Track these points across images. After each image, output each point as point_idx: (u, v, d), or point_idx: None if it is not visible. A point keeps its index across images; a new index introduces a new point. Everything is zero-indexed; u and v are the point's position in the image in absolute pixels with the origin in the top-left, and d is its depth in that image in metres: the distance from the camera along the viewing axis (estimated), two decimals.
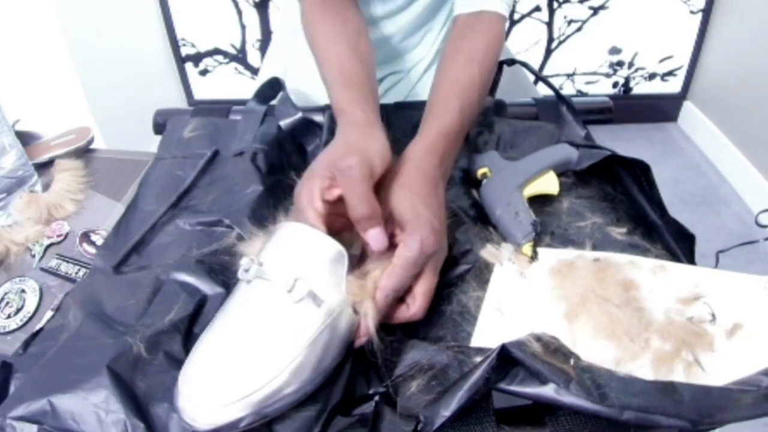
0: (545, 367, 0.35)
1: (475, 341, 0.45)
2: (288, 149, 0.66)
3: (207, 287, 0.48)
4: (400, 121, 0.68)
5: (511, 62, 0.72)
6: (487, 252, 0.52)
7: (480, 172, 0.58)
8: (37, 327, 0.47)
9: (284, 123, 0.67)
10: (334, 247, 0.42)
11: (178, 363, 0.40)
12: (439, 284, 0.47)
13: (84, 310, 0.46)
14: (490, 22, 0.65)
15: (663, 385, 0.35)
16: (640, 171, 0.57)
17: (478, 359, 0.39)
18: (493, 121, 0.68)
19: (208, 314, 0.46)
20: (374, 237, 0.43)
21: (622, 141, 2.06)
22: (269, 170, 0.61)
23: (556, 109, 0.71)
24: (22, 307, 0.55)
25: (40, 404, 0.38)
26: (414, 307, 0.44)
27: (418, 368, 0.41)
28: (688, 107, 2.13)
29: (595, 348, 0.42)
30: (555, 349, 0.38)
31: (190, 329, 0.45)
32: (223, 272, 0.50)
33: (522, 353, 0.36)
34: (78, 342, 0.43)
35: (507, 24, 0.67)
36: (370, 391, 0.41)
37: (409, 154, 0.51)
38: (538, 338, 0.38)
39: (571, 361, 0.37)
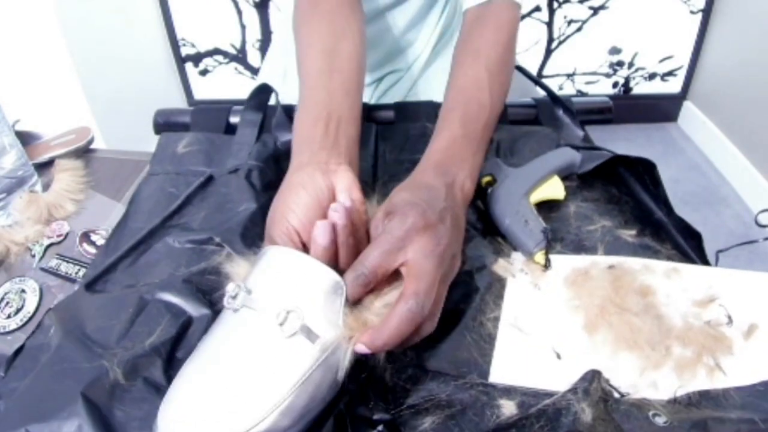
0: None
1: (496, 364, 0.43)
2: (284, 166, 0.61)
3: (193, 308, 0.46)
4: (396, 136, 0.67)
5: None
6: (499, 266, 0.50)
7: (484, 180, 0.57)
8: (17, 346, 0.45)
9: (281, 139, 0.65)
10: (330, 277, 0.39)
11: (158, 390, 0.38)
12: (458, 307, 0.45)
13: (64, 329, 0.44)
14: (499, 11, 0.61)
15: (697, 429, 0.35)
16: (644, 170, 0.56)
17: (503, 402, 0.37)
18: None
19: (192, 337, 0.44)
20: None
21: (622, 141, 2.06)
22: (264, 187, 0.59)
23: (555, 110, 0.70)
24: (22, 307, 0.55)
25: None
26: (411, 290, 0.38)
27: (435, 402, 0.38)
28: (688, 107, 2.13)
29: (618, 360, 0.42)
30: (594, 397, 0.36)
31: (172, 353, 0.43)
32: (211, 293, 0.47)
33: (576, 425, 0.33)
34: (54, 366, 0.41)
35: (521, 11, 0.63)
36: (375, 417, 0.38)
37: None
38: (587, 394, 0.35)
39: (610, 405, 0.36)
